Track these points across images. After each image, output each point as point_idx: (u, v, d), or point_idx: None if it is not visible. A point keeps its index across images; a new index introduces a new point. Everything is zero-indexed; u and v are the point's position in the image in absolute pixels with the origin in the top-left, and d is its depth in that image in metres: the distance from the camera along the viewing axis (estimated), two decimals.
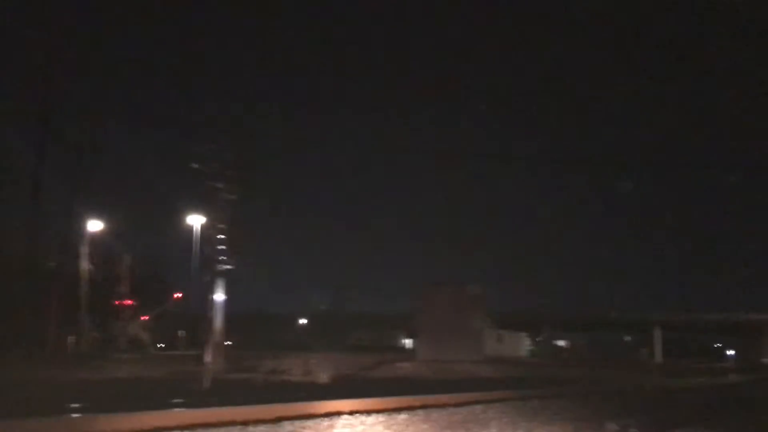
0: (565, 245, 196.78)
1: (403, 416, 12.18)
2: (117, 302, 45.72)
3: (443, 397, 15.22)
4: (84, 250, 41.63)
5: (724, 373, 55.46)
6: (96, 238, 42.84)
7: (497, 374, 35.18)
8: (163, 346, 47.10)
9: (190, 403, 12.96)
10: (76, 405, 12.29)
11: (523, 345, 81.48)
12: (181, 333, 51.76)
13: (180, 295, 47.99)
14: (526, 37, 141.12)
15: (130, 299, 46.51)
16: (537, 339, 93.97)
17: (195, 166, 24.69)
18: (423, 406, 13.58)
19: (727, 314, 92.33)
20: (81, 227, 40.92)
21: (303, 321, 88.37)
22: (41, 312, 34.92)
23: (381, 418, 11.77)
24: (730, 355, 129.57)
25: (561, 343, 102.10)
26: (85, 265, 41.68)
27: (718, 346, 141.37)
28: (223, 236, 25.21)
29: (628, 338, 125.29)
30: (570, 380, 31.23)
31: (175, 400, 13.75)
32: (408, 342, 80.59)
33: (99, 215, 42.12)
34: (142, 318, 48.68)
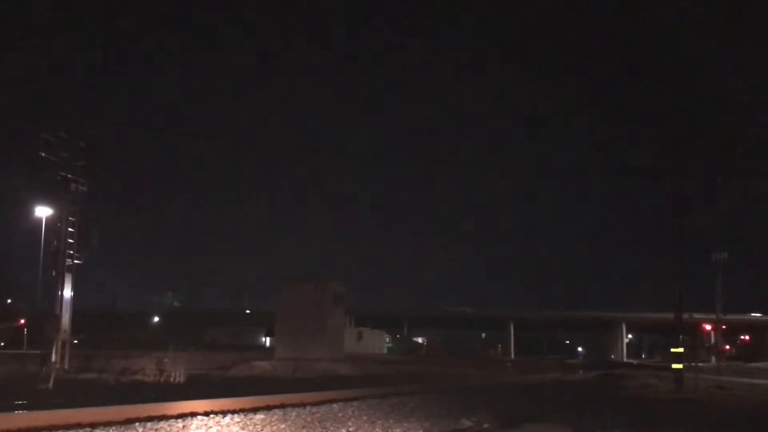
0: (426, 242, 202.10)
1: (260, 416, 12.18)
2: None
3: (301, 396, 15.34)
4: None
5: (574, 369, 58.42)
6: None
7: (356, 372, 35.59)
8: (3, 344, 44.58)
9: (34, 405, 12.45)
10: None
11: (382, 342, 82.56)
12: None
13: (23, 321, 45.54)
14: None
15: None
16: (396, 336, 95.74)
17: (42, 154, 23.54)
18: (281, 406, 13.62)
19: (576, 312, 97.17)
20: None
21: (156, 319, 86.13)
22: None
23: (237, 418, 11.73)
24: (580, 351, 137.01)
25: (419, 340, 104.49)
26: None
27: (568, 343, 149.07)
28: (72, 230, 24.17)
29: (483, 335, 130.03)
30: (427, 377, 32.05)
31: (18, 402, 13.17)
32: (267, 340, 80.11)
33: None
34: None
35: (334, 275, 54.61)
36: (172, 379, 22.79)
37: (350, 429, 12.81)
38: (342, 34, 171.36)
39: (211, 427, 10.88)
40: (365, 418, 13.77)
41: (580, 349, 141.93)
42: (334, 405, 14.70)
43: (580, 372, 51.48)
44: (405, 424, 13.31)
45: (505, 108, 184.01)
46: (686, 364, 29.78)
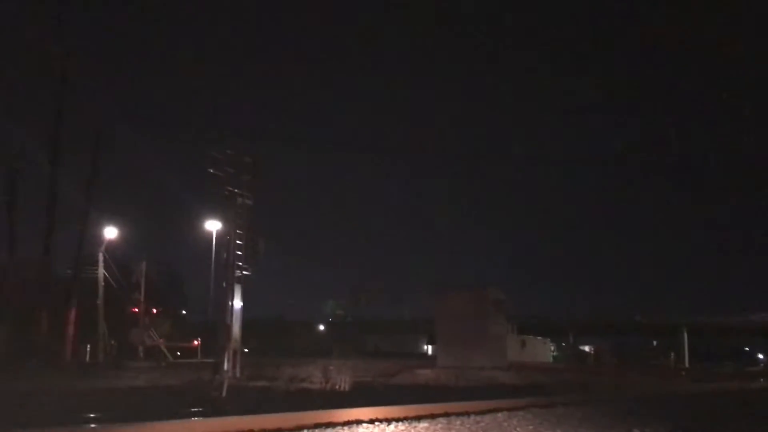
0: (592, 248, 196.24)
1: (423, 424, 12.13)
2: (134, 310, 45.85)
3: (465, 405, 15.14)
4: (100, 257, 41.98)
5: (753, 377, 54.79)
6: (112, 245, 43.19)
7: (520, 381, 34.90)
8: (180, 354, 47.22)
9: (208, 412, 13.00)
10: (93, 415, 12.36)
11: (546, 350, 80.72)
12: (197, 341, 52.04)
13: (197, 343, 48.25)
14: None
15: (146, 307, 46.70)
16: (562, 344, 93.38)
17: (211, 171, 24.77)
18: (444, 414, 13.51)
19: (755, 317, 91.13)
20: (97, 234, 41.29)
21: (321, 327, 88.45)
22: (58, 320, 35.17)
23: (401, 426, 11.74)
24: (761, 359, 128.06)
25: (586, 348, 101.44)
26: (101, 272, 41.98)
27: (747, 350, 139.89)
28: (240, 242, 25.24)
29: (654, 343, 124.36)
30: (595, 386, 31.01)
31: (193, 409, 13.80)
32: (429, 348, 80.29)
33: (115, 222, 42.54)
34: (159, 325, 48.91)
35: (494, 281, 54.11)
36: (337, 387, 23.20)
37: None
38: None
39: None
40: (531, 428, 13.39)
41: (760, 356, 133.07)
42: (499, 414, 14.44)
43: (761, 381, 48.22)
44: None
45: None
46: None
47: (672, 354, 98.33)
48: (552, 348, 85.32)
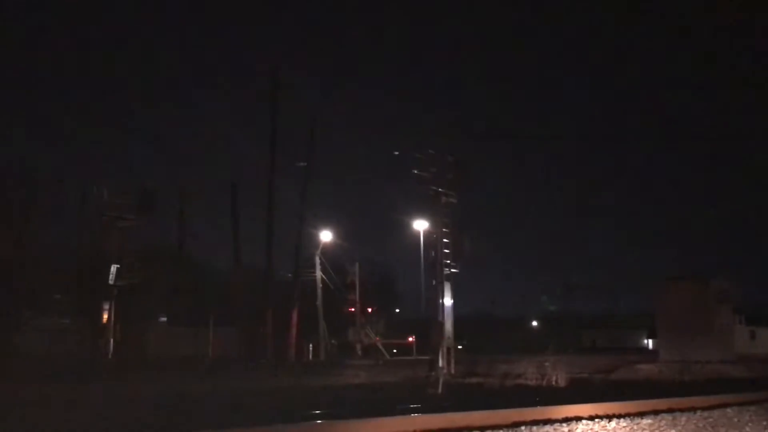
0: None
1: (647, 421, 11.76)
2: (350, 310, 47.70)
3: (690, 400, 14.45)
4: (317, 260, 44.21)
5: None
6: (326, 249, 45.37)
7: (751, 374, 32.86)
8: (396, 351, 48.58)
9: (427, 409, 13.35)
10: (317, 412, 13.10)
11: None
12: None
13: (412, 339, 49.53)
14: None
15: (362, 306, 48.42)
16: None
17: (416, 171, 25.32)
18: (668, 410, 13.00)
19: None
20: (313, 238, 43.55)
21: (534, 323, 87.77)
22: (282, 322, 37.41)
23: (623, 422, 11.44)
24: None
25: None
26: (319, 274, 44.18)
27: None
28: (446, 240, 25.58)
29: None
30: None
31: (412, 406, 14.21)
32: (650, 342, 77.41)
33: (328, 225, 44.69)
34: (374, 324, 50.53)
35: (720, 270, 51.52)
36: (553, 383, 22.95)
37: None
38: None
39: (597, 431, 10.78)
40: (765, 423, 12.65)
41: None
42: (728, 410, 13.66)
43: None
44: None
45: None
46: None
47: None
48: None
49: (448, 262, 25.63)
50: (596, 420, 11.40)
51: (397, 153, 29.27)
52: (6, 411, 13.89)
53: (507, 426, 10.32)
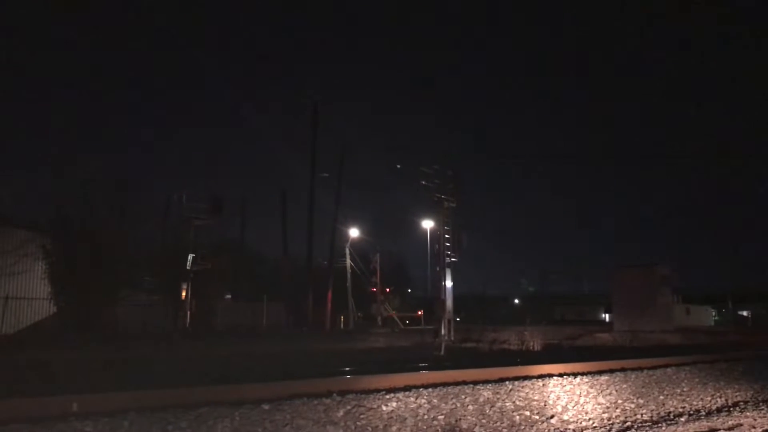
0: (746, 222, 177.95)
1: (604, 377, 11.74)
2: (373, 290, 48.10)
3: (638, 361, 14.38)
4: (347, 251, 45.02)
5: None
6: (355, 242, 46.12)
7: (685, 341, 32.68)
8: (408, 322, 48.64)
9: (432, 367, 13.39)
10: (347, 368, 13.18)
11: (708, 316, 75.08)
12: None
13: (421, 313, 49.77)
14: None
15: (382, 287, 48.76)
16: (722, 310, 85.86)
17: (423, 182, 25.33)
18: (621, 369, 12.95)
19: None
20: (344, 233, 44.27)
21: (516, 301, 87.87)
22: (319, 299, 37.78)
23: (586, 379, 11.43)
24: None
25: (744, 313, 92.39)
26: (348, 262, 44.92)
27: None
28: (447, 236, 25.57)
29: None
30: (753, 345, 28.21)
31: (421, 365, 14.26)
32: (606, 316, 77.22)
33: (356, 223, 45.65)
34: (392, 301, 50.96)
35: (663, 259, 51.56)
36: (531, 348, 22.92)
37: (684, 389, 11.83)
38: None
39: (565, 385, 10.75)
40: (697, 380, 12.60)
41: None
42: (668, 369, 13.59)
43: None
44: (735, 386, 11.90)
45: None
46: None
47: None
48: (713, 313, 78.96)
49: (449, 253, 25.60)
50: (564, 376, 11.38)
51: (399, 166, 29.59)
52: (134, 365, 13.95)
53: (494, 381, 10.34)
